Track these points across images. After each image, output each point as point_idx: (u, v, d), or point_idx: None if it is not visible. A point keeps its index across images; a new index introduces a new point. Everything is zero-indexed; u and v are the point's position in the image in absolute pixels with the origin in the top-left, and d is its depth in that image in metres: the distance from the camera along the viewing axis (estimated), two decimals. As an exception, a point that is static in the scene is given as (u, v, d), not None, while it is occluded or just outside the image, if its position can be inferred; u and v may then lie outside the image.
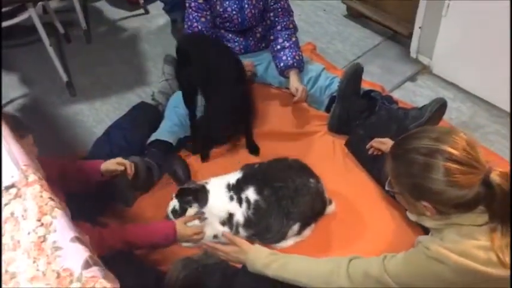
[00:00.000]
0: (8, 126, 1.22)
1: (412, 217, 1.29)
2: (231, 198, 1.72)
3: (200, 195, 1.74)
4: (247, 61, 2.31)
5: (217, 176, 1.82)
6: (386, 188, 1.29)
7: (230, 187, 1.74)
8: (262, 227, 1.71)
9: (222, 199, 1.72)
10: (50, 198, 0.95)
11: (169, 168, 2.03)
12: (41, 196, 0.95)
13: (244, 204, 1.70)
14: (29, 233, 0.90)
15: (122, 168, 1.79)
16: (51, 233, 0.90)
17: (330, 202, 1.84)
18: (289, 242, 1.75)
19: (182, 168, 2.03)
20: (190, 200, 1.75)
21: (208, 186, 1.75)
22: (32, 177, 0.99)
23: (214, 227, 1.73)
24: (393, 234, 1.74)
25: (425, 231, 1.37)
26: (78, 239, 0.89)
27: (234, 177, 1.77)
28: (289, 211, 1.69)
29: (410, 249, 1.27)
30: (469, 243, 1.12)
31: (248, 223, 1.70)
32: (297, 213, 1.69)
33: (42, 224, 0.91)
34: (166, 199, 1.89)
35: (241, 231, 1.71)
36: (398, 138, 1.23)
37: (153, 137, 2.11)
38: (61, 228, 0.91)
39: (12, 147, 1.09)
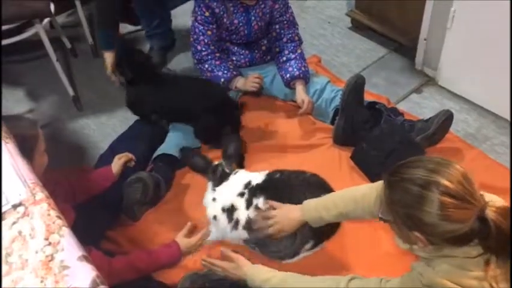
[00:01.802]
0: (17, 136, 1.23)
1: (402, 245, 1.26)
2: (242, 195, 1.75)
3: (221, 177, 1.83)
4: (256, 74, 2.32)
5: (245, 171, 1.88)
6: (380, 215, 1.25)
7: (247, 186, 1.77)
8: (267, 240, 1.70)
9: (232, 190, 1.78)
10: (58, 216, 0.95)
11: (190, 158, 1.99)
12: (49, 214, 0.95)
13: (252, 210, 1.71)
14: (36, 252, 0.90)
15: (125, 159, 1.95)
16: (59, 252, 0.90)
17: None
18: (296, 257, 1.74)
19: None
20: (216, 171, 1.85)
21: (231, 175, 1.83)
22: (40, 195, 0.99)
23: (216, 209, 1.78)
24: (399, 252, 1.70)
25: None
26: (85, 258, 0.89)
27: (256, 179, 1.79)
28: (300, 230, 1.67)
29: (405, 274, 1.26)
30: (461, 274, 1.11)
31: (250, 227, 1.71)
32: (310, 230, 1.67)
33: (49, 243, 0.91)
34: (171, 214, 1.91)
35: (241, 232, 1.73)
36: (395, 165, 1.20)
37: (159, 151, 2.12)
38: (68, 246, 0.90)
39: (19, 165, 1.09)
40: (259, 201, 1.71)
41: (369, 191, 1.48)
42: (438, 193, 1.07)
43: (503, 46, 2.07)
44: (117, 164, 1.92)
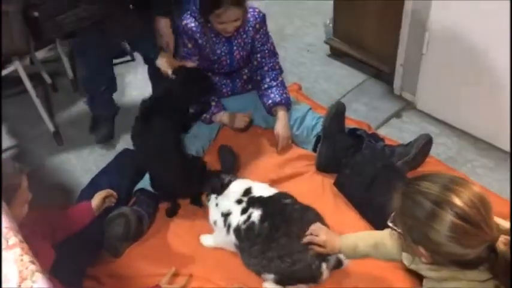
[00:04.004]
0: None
1: (407, 262, 1.24)
2: (239, 202, 1.79)
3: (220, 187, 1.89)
4: (246, 113, 2.34)
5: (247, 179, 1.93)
6: (389, 222, 1.23)
7: (247, 193, 1.81)
8: (246, 246, 1.74)
9: (231, 197, 1.83)
10: (31, 261, 0.92)
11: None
12: (22, 260, 0.93)
13: (244, 216, 1.75)
14: (9, 300, 0.88)
15: (105, 195, 1.90)
16: (32, 299, 0.88)
17: (340, 264, 1.74)
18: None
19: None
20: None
21: (232, 183, 1.88)
22: (13, 239, 0.97)
23: (217, 214, 1.83)
24: (388, 278, 1.71)
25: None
26: (59, 304, 0.87)
27: (260, 190, 1.83)
28: (268, 260, 1.68)
29: None
30: None
31: (237, 232, 1.76)
32: (273, 267, 1.68)
33: (22, 290, 0.89)
34: (154, 249, 1.88)
35: (232, 236, 1.78)
36: (413, 177, 1.19)
37: (141, 184, 2.10)
38: (42, 292, 0.88)
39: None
40: (255, 214, 1.72)
41: None
42: (451, 214, 1.04)
43: (478, 69, 2.12)
44: (96, 198, 1.88)
